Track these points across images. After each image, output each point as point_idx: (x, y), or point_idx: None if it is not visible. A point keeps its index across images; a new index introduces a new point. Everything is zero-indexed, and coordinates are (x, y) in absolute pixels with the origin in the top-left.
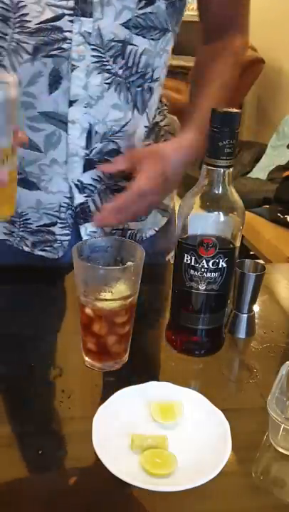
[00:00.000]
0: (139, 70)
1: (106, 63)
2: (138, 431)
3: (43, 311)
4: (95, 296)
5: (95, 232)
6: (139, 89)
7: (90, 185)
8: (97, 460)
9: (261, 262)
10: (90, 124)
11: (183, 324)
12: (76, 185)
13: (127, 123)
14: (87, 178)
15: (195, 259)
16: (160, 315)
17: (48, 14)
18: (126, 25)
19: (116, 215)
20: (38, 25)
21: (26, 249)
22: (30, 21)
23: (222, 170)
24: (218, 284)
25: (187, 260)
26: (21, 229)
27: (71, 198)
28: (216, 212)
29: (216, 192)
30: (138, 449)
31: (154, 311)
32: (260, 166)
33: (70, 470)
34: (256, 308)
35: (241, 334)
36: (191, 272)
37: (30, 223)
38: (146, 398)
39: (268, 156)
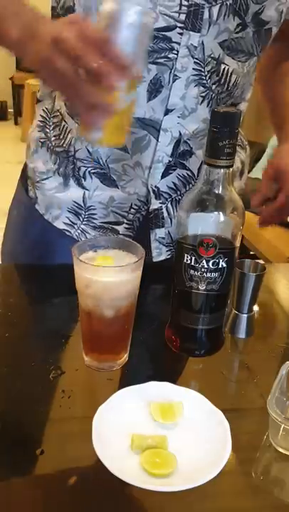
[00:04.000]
0: (230, 88)
1: (203, 77)
2: (138, 431)
3: (44, 310)
4: (94, 296)
5: (163, 238)
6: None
7: (166, 192)
8: (97, 460)
9: (261, 262)
10: (180, 134)
11: (183, 324)
12: (154, 190)
13: None
14: (163, 185)
15: (195, 259)
16: (160, 315)
17: (162, 23)
18: (222, 44)
19: (279, 214)
20: None
21: None
22: None
23: (222, 170)
24: (218, 284)
25: (187, 260)
26: (84, 222)
27: (146, 202)
28: (216, 212)
29: (216, 192)
30: (138, 449)
31: (154, 311)
32: (260, 166)
33: (70, 470)
34: (256, 308)
35: (241, 334)
36: (191, 272)
37: (95, 218)
38: (146, 398)
39: (268, 156)
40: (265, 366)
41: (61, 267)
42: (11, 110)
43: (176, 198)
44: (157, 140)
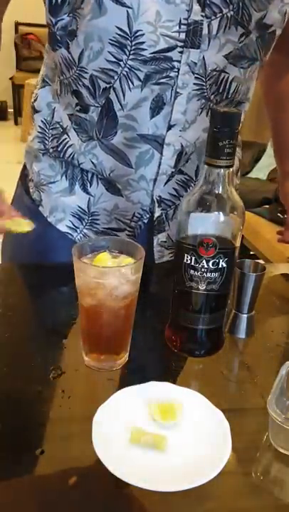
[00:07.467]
0: (229, 96)
1: (205, 91)
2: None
3: (44, 310)
4: (94, 296)
5: (165, 241)
6: None
7: (168, 200)
8: (97, 460)
9: (261, 262)
10: (182, 146)
11: (183, 324)
12: (157, 200)
13: None
14: (164, 193)
15: (195, 259)
16: (160, 315)
17: (163, 45)
18: (227, 56)
19: None
20: (152, 55)
21: None
22: (145, 50)
23: (222, 170)
24: (218, 284)
25: (187, 260)
26: (87, 227)
27: (148, 211)
28: (216, 212)
29: (216, 192)
30: (136, 442)
31: (154, 311)
32: (260, 166)
33: (70, 470)
34: (256, 308)
35: (241, 334)
36: (191, 272)
37: (98, 224)
38: (146, 398)
39: (268, 156)
40: (265, 366)
41: (61, 266)
42: (11, 110)
43: (178, 204)
44: (161, 154)
